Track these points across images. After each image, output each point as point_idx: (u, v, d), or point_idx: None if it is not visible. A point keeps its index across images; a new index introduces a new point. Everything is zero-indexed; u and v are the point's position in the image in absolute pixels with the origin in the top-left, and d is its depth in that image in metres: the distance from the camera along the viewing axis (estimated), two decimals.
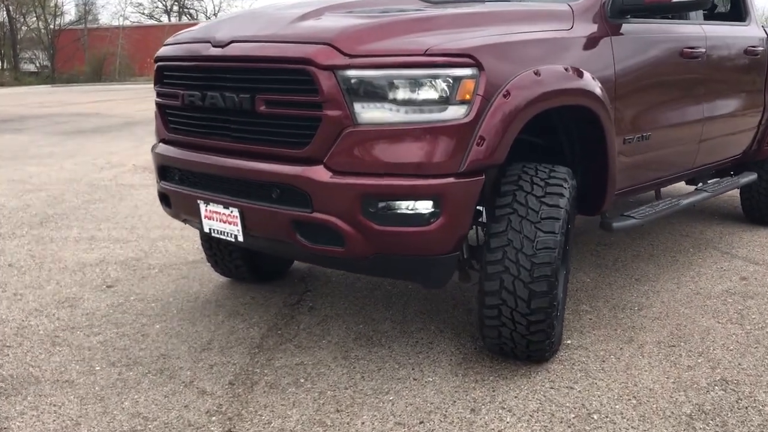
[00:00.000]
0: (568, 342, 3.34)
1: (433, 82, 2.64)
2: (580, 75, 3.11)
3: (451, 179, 2.66)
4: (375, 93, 2.64)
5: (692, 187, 4.87)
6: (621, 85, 3.43)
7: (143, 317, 3.73)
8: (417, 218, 2.67)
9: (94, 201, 6.75)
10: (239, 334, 3.50)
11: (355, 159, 2.66)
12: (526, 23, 3.09)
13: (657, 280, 4.28)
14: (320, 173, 2.69)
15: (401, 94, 2.63)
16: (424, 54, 2.64)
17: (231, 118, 2.96)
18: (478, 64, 2.68)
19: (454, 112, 2.66)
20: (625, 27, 3.53)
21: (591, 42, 3.29)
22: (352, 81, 2.64)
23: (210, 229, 3.15)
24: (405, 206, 2.68)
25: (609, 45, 3.38)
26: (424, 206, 2.67)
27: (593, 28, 3.35)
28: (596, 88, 3.18)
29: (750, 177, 4.98)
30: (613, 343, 3.34)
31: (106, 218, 6.05)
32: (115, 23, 46.14)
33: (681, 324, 3.58)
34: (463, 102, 2.67)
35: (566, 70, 3.03)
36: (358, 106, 2.65)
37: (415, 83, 2.63)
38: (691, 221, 5.72)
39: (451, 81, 2.64)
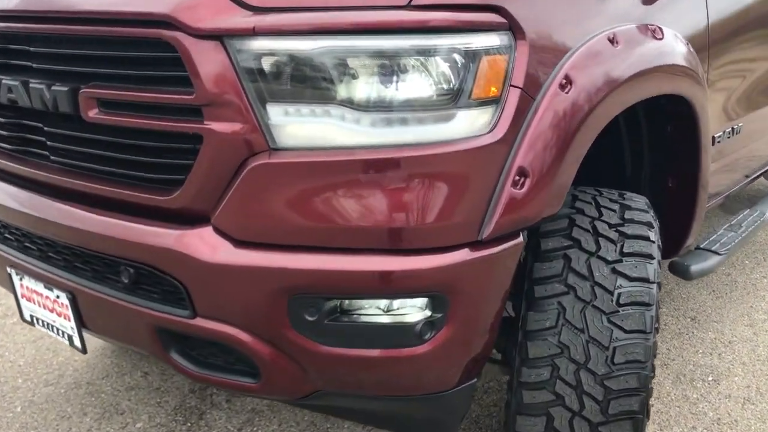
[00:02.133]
0: None
1: (426, 63, 1.31)
2: (673, 40, 1.80)
3: (464, 254, 1.36)
4: (310, 86, 1.30)
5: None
6: (716, 51, 2.13)
7: None
8: (399, 333, 1.37)
9: None
10: None
11: (272, 217, 1.34)
12: None
13: (722, 321, 3.06)
14: (203, 244, 1.36)
15: (363, 87, 1.30)
16: (408, 6, 1.30)
17: (45, 127, 1.59)
18: (512, 25, 1.36)
19: (469, 123, 1.35)
20: None
21: None
22: (264, 62, 1.29)
23: (32, 317, 1.80)
24: (375, 310, 1.37)
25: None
26: (414, 310, 1.37)
27: None
28: (693, 61, 1.88)
29: None
30: None
31: None
32: None
33: None
34: (485, 101, 1.35)
35: (653, 31, 1.71)
36: (275, 113, 1.32)
37: (391, 65, 1.30)
38: (728, 215, 4.51)
39: (463, 59, 1.32)
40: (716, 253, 2.46)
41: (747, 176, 3.05)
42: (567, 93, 1.42)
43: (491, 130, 1.35)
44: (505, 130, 1.35)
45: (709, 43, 2.07)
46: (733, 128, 2.42)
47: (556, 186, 1.45)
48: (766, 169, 3.29)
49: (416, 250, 1.33)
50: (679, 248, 2.22)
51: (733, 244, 2.56)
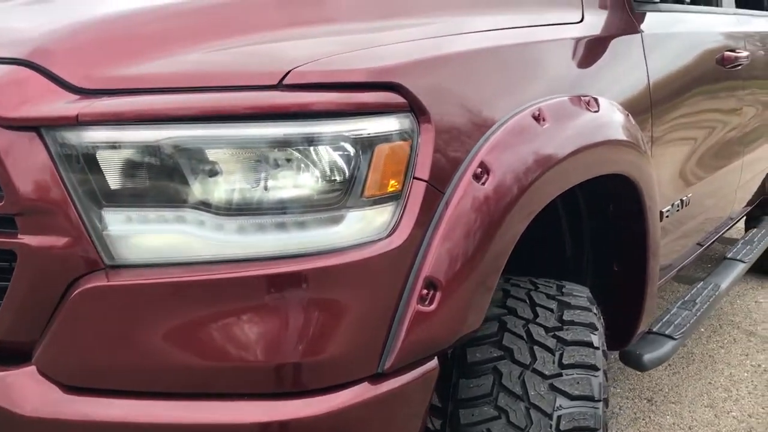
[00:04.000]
0: None
1: (306, 154, 1.05)
2: (611, 111, 1.58)
3: (361, 391, 1.08)
4: (157, 186, 1.03)
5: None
6: (660, 120, 1.93)
7: None
8: None
9: None
10: None
11: (112, 355, 1.04)
12: (499, 11, 1.53)
13: (680, 402, 2.82)
14: (22, 391, 1.06)
15: (225, 186, 1.03)
16: (279, 84, 1.04)
17: None
18: (414, 105, 1.11)
19: (362, 226, 1.09)
20: (654, 18, 2.04)
21: (614, 44, 1.77)
22: (97, 157, 1.02)
23: None
24: None
25: (640, 49, 1.87)
26: None
27: (613, 18, 1.83)
28: (635, 133, 1.67)
29: None
30: None
31: None
32: None
33: None
34: (382, 198, 1.10)
35: (587, 103, 1.49)
36: (113, 221, 1.03)
37: (260, 158, 1.03)
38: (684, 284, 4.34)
39: (352, 149, 1.07)
40: (670, 337, 2.23)
41: (700, 244, 2.86)
42: (483, 184, 1.18)
43: (390, 234, 1.09)
44: (407, 233, 1.09)
45: (652, 112, 1.87)
46: (682, 200, 2.21)
47: (476, 297, 1.19)
48: (720, 234, 3.12)
49: (299, 392, 1.04)
50: (629, 337, 1.98)
51: (688, 325, 2.33)
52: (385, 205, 1.09)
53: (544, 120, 1.32)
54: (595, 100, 1.53)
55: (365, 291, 1.07)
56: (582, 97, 1.48)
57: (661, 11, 2.09)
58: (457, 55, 1.23)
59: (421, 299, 1.10)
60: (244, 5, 1.19)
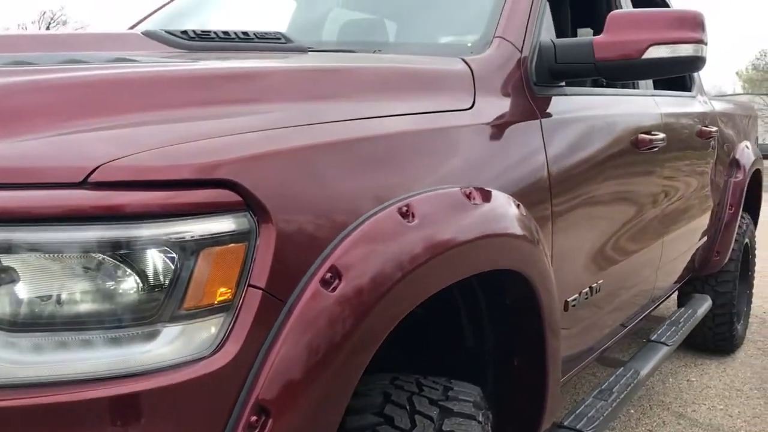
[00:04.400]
0: None
1: (116, 263, 0.92)
2: (498, 202, 1.50)
3: None
4: None
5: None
6: (562, 208, 1.86)
7: None
8: None
9: None
10: None
11: None
12: (372, 96, 1.43)
13: None
14: None
15: (15, 297, 0.90)
16: (85, 182, 0.92)
17: None
18: (252, 204, 1.00)
19: (182, 343, 0.96)
20: (559, 103, 1.99)
21: (509, 132, 1.70)
22: None
23: None
24: None
25: (538, 134, 1.80)
26: None
27: (510, 104, 1.77)
28: (528, 224, 1.59)
29: (706, 305, 3.59)
30: None
31: None
32: None
33: None
34: (207, 310, 0.97)
35: (468, 196, 1.40)
36: None
37: (59, 267, 0.91)
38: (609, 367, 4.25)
39: (173, 254, 0.94)
40: None
41: (624, 325, 2.78)
42: (333, 290, 1.06)
43: (215, 351, 0.96)
44: (236, 350, 0.97)
45: (552, 201, 1.80)
46: (592, 287, 2.13)
47: (320, 419, 1.05)
48: (646, 313, 3.05)
49: None
50: None
51: (602, 417, 2.22)
52: (210, 317, 0.97)
53: (413, 216, 1.22)
54: (480, 191, 1.45)
55: (180, 420, 0.93)
56: (463, 189, 1.39)
57: (567, 95, 2.05)
58: (309, 148, 1.12)
59: (249, 427, 0.97)
60: (59, 89, 1.07)
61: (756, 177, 4.35)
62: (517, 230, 1.52)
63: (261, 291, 1.00)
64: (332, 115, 1.24)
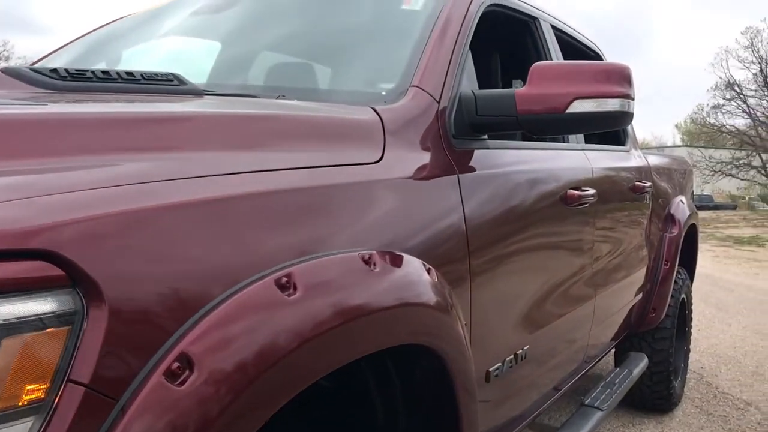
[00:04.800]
0: None
1: None
2: (400, 270, 1.34)
3: None
4: None
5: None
6: (480, 273, 1.71)
7: None
8: None
9: None
10: None
11: None
12: (254, 148, 1.26)
13: None
14: None
15: None
16: None
17: None
18: (79, 279, 0.82)
19: None
20: (481, 157, 1.87)
21: (422, 187, 1.56)
22: None
23: None
24: None
25: (456, 191, 1.67)
26: None
27: (425, 157, 1.63)
28: (442, 291, 1.43)
29: (642, 363, 3.48)
30: None
31: None
32: None
33: None
34: (6, 415, 0.77)
35: (368, 262, 1.24)
36: None
37: None
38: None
39: None
40: None
41: (557, 389, 2.64)
42: (181, 384, 0.88)
43: None
44: None
45: (471, 263, 1.66)
46: (517, 354, 1.99)
47: None
48: (580, 375, 2.92)
49: None
50: None
51: None
52: (13, 423, 0.77)
53: (294, 288, 1.05)
54: (384, 255, 1.29)
55: None
56: (362, 254, 1.23)
57: (490, 148, 1.93)
58: (163, 209, 0.95)
59: None
60: None
61: (691, 231, 4.33)
62: (426, 299, 1.36)
63: (84, 387, 0.81)
64: (205, 169, 1.07)
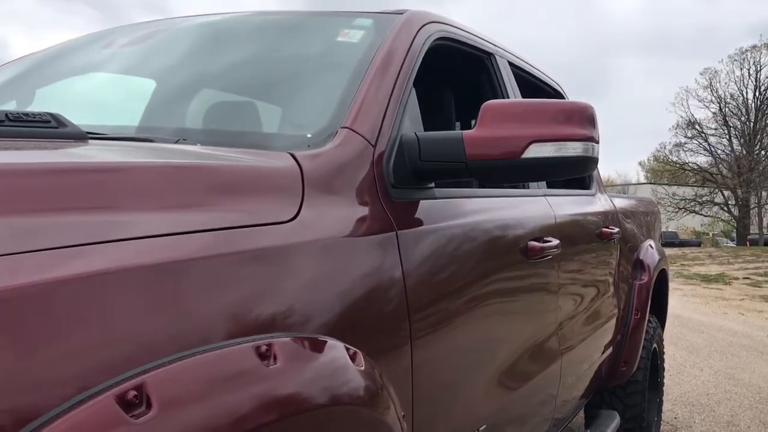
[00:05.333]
0: None
1: None
2: (317, 360, 1.06)
3: None
4: None
5: None
6: (424, 347, 1.44)
7: None
8: None
9: None
10: None
11: None
12: (144, 206, 0.98)
13: None
14: None
15: None
16: None
17: None
18: None
19: None
20: (426, 208, 1.62)
21: (348, 248, 1.29)
22: None
23: None
24: None
25: (393, 251, 1.40)
26: None
27: (355, 212, 1.37)
28: (369, 378, 1.16)
29: (614, 423, 3.23)
30: None
31: None
32: None
33: None
34: None
35: (263, 354, 0.96)
36: None
37: None
38: None
39: None
40: None
41: None
42: None
43: None
44: None
45: (413, 335, 1.39)
46: None
47: None
48: None
49: None
50: None
51: None
52: None
53: (148, 405, 0.78)
54: (288, 343, 1.02)
55: None
56: (255, 345, 0.96)
57: (437, 198, 1.68)
58: None
59: None
60: None
61: (662, 276, 4.13)
62: (347, 398, 1.08)
63: None
64: (45, 239, 0.79)
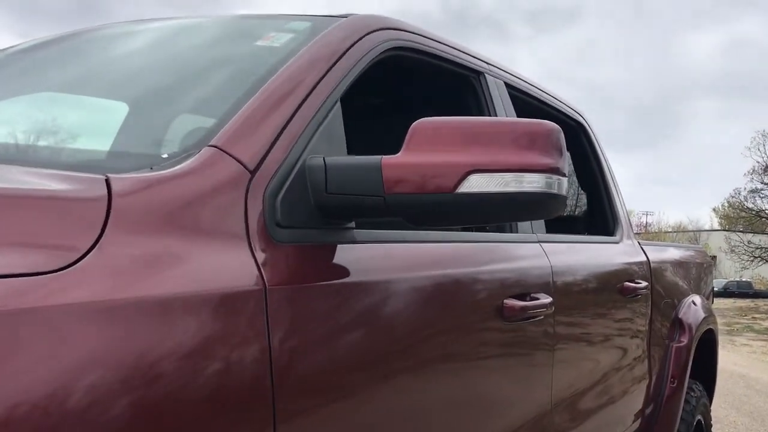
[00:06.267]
0: None
1: None
2: None
3: None
4: None
5: None
6: None
7: None
8: None
9: None
10: None
11: None
12: None
13: None
14: None
15: None
16: None
17: None
18: None
19: None
20: (343, 255, 1.24)
21: (157, 319, 0.91)
22: None
23: None
24: None
25: (257, 322, 1.02)
26: None
27: (190, 258, 0.99)
28: None
29: None
30: None
31: None
32: None
33: None
34: None
35: None
36: None
37: None
38: None
39: None
40: None
41: None
42: None
43: None
44: None
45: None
46: None
47: None
48: None
49: None
50: None
51: None
52: None
53: None
54: None
55: None
56: None
57: (356, 242, 1.30)
58: None
59: None
60: None
61: (708, 337, 3.58)
62: None
63: None
64: None
